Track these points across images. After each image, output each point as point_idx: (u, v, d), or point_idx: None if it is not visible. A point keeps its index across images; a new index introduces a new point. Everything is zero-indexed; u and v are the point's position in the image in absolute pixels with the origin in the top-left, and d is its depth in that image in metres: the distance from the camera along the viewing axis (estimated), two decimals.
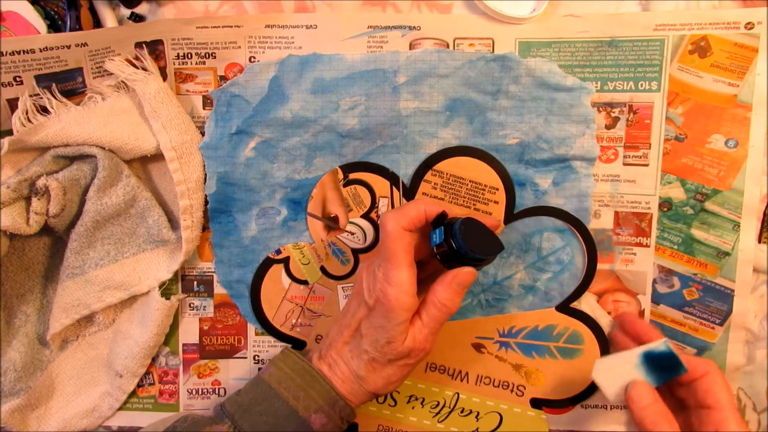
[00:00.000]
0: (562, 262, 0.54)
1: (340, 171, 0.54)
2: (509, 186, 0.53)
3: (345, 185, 0.54)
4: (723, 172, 0.52)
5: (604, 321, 0.54)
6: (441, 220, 0.45)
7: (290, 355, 0.48)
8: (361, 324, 0.45)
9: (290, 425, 0.45)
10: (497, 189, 0.53)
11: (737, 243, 0.52)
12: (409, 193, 0.54)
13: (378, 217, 0.54)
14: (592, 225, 0.53)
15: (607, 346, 0.54)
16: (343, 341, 0.46)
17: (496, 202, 0.53)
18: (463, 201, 0.53)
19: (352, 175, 0.54)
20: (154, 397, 0.57)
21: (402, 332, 0.43)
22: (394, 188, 0.54)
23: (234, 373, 0.57)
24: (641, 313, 0.54)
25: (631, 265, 0.54)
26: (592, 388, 0.55)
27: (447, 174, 0.53)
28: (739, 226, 0.52)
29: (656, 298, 0.54)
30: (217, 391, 0.57)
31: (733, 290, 0.53)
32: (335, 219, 0.54)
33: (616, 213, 0.53)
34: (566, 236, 0.53)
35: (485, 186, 0.53)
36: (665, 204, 0.53)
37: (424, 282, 0.47)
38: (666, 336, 0.54)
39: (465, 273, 0.44)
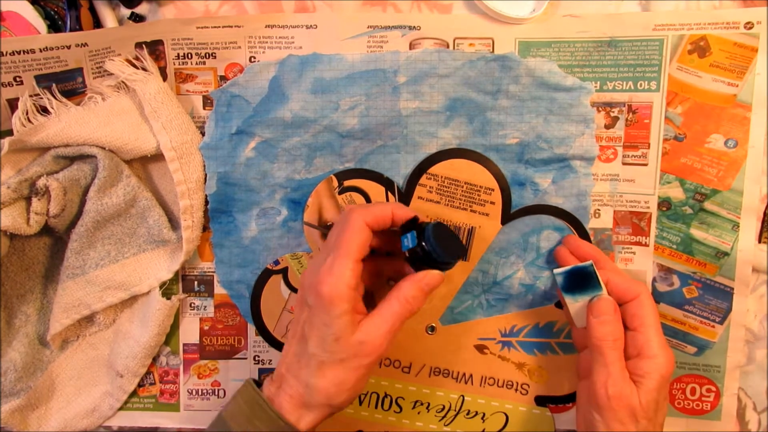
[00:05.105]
0: None
1: (334, 179, 0.54)
2: (504, 186, 0.53)
3: (340, 193, 0.54)
4: (722, 172, 0.52)
5: None
6: (412, 224, 0.45)
7: (247, 386, 0.44)
8: (304, 327, 0.42)
9: None
10: (493, 189, 0.53)
11: (736, 243, 0.52)
12: (405, 197, 0.54)
13: None
14: (592, 224, 0.53)
15: None
16: (292, 353, 0.43)
17: (492, 203, 0.53)
18: (459, 203, 0.53)
19: (347, 182, 0.54)
20: (155, 396, 0.57)
21: (347, 324, 0.41)
22: (390, 194, 0.54)
23: (234, 374, 0.57)
24: None
25: (630, 264, 0.54)
26: None
27: (442, 177, 0.53)
28: (738, 226, 0.52)
29: (656, 297, 0.54)
30: (216, 392, 0.57)
31: (732, 288, 0.53)
32: (332, 227, 0.54)
33: (615, 212, 0.53)
34: (564, 234, 0.54)
35: (480, 187, 0.53)
36: (664, 203, 0.53)
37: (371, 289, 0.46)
38: (667, 335, 0.54)
39: (434, 275, 0.44)
